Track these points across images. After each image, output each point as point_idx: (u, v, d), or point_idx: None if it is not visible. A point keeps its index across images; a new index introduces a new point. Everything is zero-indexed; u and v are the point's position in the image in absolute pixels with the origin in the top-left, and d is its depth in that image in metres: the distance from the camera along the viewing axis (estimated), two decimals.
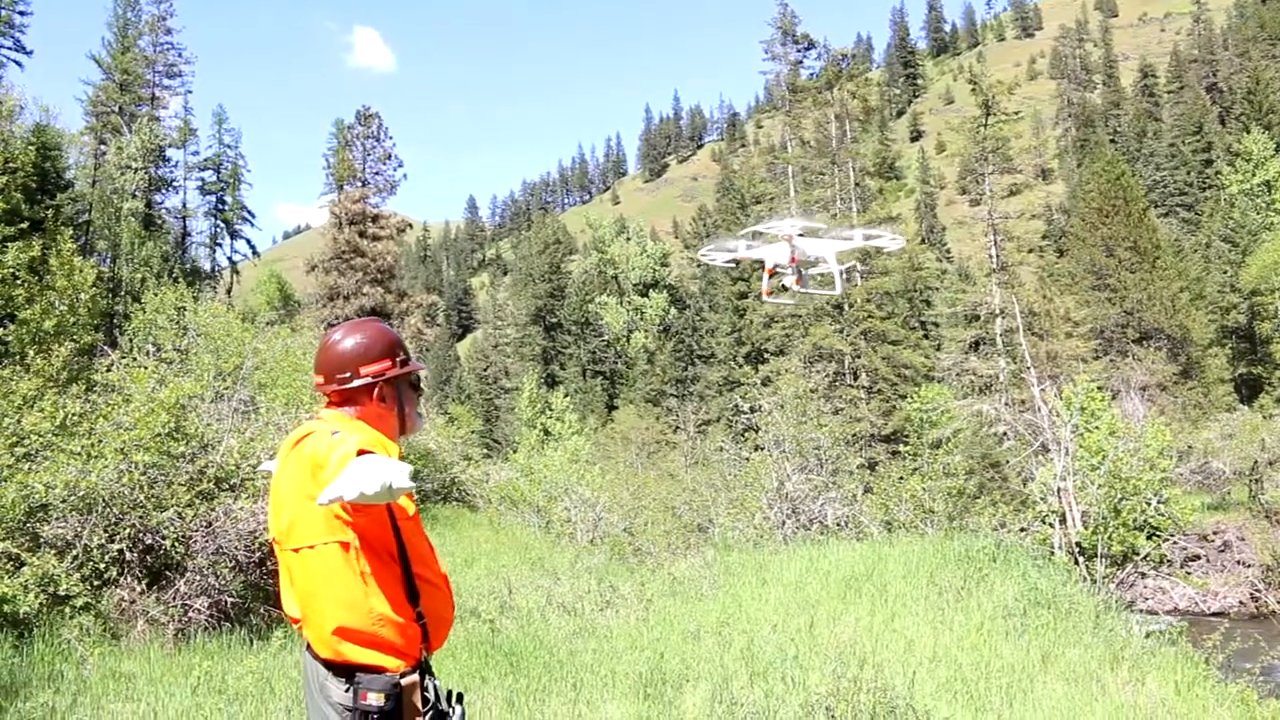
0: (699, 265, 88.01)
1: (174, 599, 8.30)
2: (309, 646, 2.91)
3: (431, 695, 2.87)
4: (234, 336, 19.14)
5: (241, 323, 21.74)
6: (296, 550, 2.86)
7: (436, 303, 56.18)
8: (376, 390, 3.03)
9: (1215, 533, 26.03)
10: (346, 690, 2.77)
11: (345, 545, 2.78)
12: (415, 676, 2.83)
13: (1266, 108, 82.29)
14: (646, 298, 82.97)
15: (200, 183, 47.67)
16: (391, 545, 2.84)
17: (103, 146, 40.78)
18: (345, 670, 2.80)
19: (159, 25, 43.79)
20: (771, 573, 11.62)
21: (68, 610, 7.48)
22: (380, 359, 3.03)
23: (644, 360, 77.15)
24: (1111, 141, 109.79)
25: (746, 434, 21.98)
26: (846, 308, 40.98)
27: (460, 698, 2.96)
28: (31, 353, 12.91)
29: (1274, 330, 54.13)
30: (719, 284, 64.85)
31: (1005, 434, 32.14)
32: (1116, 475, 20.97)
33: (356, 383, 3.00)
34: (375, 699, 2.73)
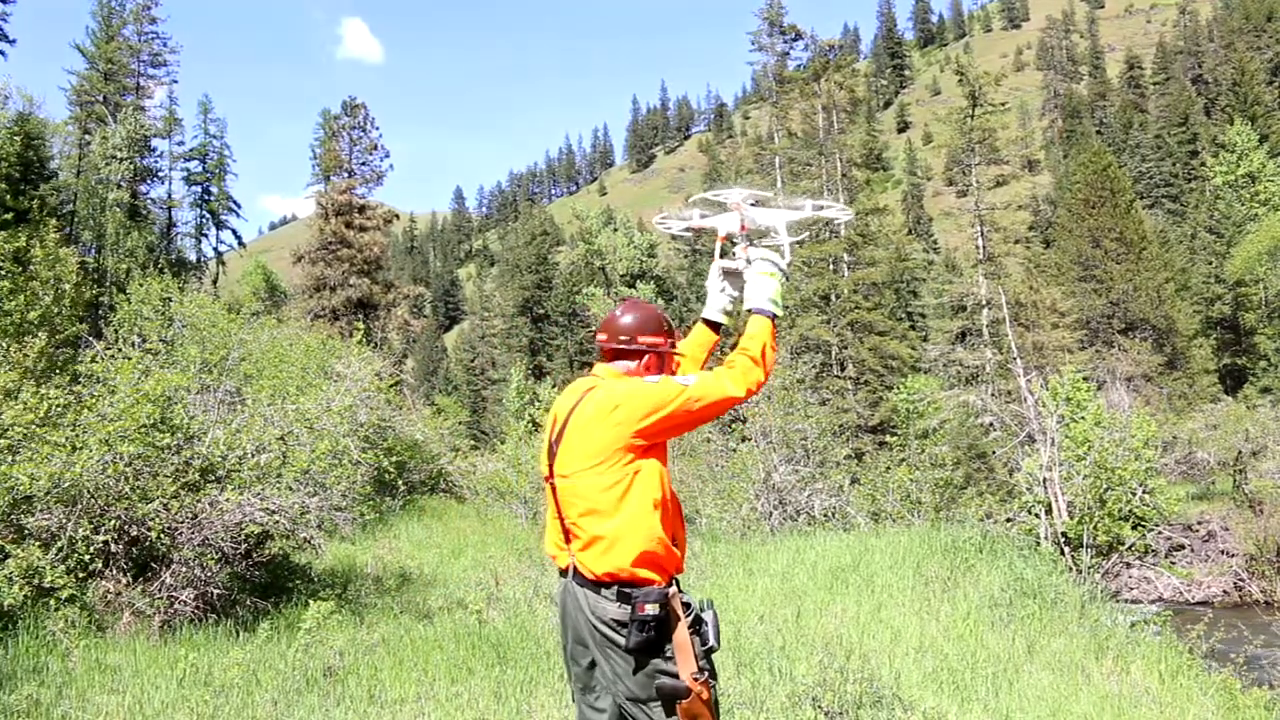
0: (686, 255, 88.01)
1: (160, 591, 8.26)
2: (575, 574, 3.36)
3: (690, 602, 3.33)
4: (220, 327, 19.02)
5: (227, 314, 21.62)
6: (588, 469, 3.30)
7: (423, 294, 56.05)
8: (647, 359, 3.63)
9: (1200, 523, 26.13)
10: (621, 606, 3.23)
11: (635, 473, 3.28)
12: (675, 588, 3.31)
13: (1251, 99, 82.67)
14: (634, 289, 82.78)
15: (186, 173, 47.40)
16: (664, 478, 3.37)
17: (87, 136, 40.48)
18: (617, 588, 3.25)
19: (143, 14, 43.46)
20: (758, 563, 11.64)
21: (52, 602, 7.43)
22: (656, 334, 3.64)
23: None
24: (1098, 133, 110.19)
25: (733, 425, 22.00)
26: (834, 298, 41.02)
27: (710, 603, 3.42)
28: (7, 345, 12.75)
29: (1258, 321, 54.42)
30: (705, 274, 64.70)
31: (991, 424, 32.22)
32: (1102, 465, 21.06)
33: (632, 346, 3.61)
34: (651, 609, 3.19)
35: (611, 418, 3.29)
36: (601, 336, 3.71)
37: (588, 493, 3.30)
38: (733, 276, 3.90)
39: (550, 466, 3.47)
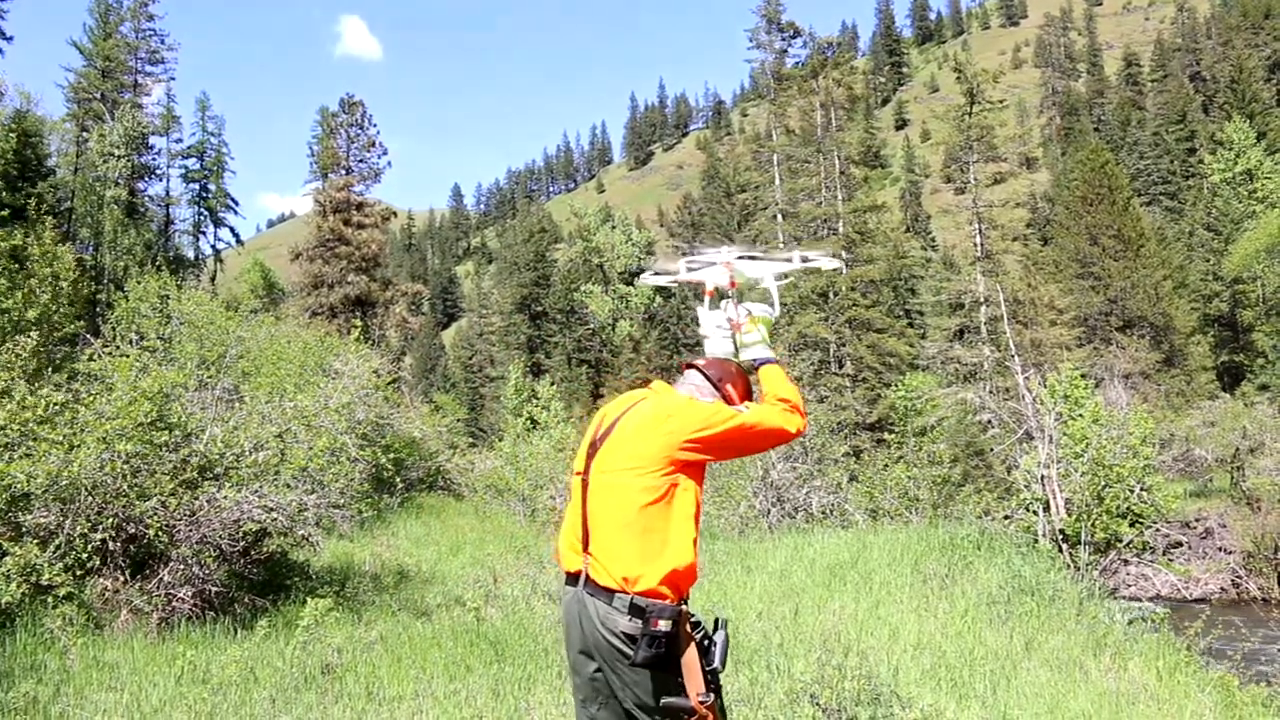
0: (685, 255, 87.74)
1: (157, 588, 8.26)
2: (587, 582, 3.32)
3: (698, 621, 3.36)
4: (217, 325, 19.05)
5: (225, 311, 21.62)
6: (630, 468, 3.31)
7: (421, 291, 55.90)
8: (713, 396, 3.62)
9: (1197, 520, 26.18)
10: (632, 620, 3.19)
11: (674, 485, 3.29)
12: (686, 607, 3.30)
13: (1249, 96, 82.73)
14: (632, 286, 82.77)
15: (183, 170, 47.29)
16: (699, 499, 3.39)
17: (85, 133, 40.39)
18: (630, 601, 3.21)
19: (141, 11, 43.39)
20: (756, 561, 11.64)
21: (50, 600, 7.42)
22: (735, 391, 3.67)
23: (629, 349, 77.02)
24: (1095, 130, 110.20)
25: None
26: (832, 296, 41.01)
27: (725, 624, 3.41)
28: (2, 343, 12.70)
29: (1256, 318, 54.41)
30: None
31: (989, 422, 32.25)
32: (1100, 463, 21.08)
33: (713, 378, 3.66)
34: (664, 624, 3.16)
35: (664, 426, 3.33)
36: (700, 361, 3.79)
37: (624, 494, 3.29)
38: (724, 329, 3.93)
39: (587, 463, 3.47)
